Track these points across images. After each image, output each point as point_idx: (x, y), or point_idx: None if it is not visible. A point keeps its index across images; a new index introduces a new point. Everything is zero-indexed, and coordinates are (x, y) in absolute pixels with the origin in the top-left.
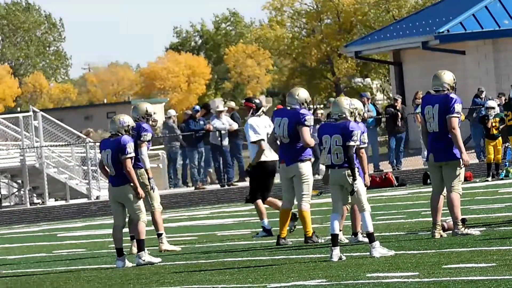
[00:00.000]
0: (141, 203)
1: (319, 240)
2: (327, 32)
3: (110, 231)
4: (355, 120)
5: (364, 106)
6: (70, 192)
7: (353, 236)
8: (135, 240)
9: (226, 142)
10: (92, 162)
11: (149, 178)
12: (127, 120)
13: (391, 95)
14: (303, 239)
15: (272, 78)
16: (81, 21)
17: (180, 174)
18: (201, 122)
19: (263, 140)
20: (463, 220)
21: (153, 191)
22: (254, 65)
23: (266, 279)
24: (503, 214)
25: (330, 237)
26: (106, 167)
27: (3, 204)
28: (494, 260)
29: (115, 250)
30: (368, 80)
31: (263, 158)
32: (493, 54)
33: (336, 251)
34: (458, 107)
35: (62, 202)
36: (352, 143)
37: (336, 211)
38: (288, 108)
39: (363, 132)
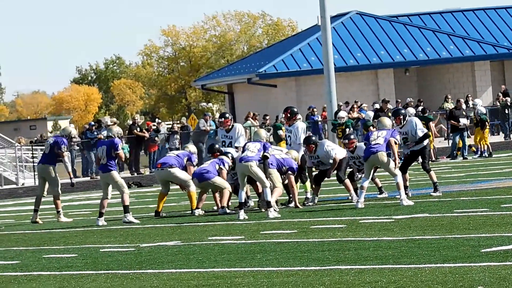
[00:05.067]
0: (123, 182)
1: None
2: (182, 71)
3: (31, 206)
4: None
5: (206, 122)
6: (3, 180)
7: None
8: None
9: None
10: (19, 159)
11: (70, 177)
12: (119, 129)
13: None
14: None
15: (143, 102)
16: (13, 61)
17: (80, 167)
18: (95, 133)
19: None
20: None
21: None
22: (131, 93)
23: (141, 241)
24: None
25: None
26: (99, 158)
27: None
28: (295, 228)
29: (31, 220)
30: (210, 104)
31: None
32: (296, 87)
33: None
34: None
35: None
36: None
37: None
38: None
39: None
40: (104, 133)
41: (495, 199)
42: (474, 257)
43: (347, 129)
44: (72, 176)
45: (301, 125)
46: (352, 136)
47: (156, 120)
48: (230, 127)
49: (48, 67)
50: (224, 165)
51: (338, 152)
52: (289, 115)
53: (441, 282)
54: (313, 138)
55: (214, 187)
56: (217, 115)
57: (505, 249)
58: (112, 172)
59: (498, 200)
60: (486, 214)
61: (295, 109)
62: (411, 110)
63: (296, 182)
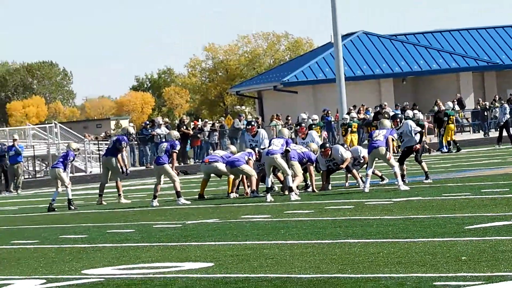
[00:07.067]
0: (173, 173)
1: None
2: (220, 80)
3: (97, 191)
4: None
5: (240, 121)
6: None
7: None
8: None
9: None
10: (87, 152)
11: (125, 165)
12: (177, 133)
13: (256, 115)
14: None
15: (189, 106)
16: (83, 71)
17: (138, 158)
18: (149, 130)
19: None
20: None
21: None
22: (179, 98)
23: (186, 219)
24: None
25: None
26: (159, 153)
27: (37, 175)
28: (312, 209)
29: (96, 203)
30: (244, 107)
31: None
32: (313, 93)
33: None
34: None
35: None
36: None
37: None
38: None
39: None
40: (158, 130)
41: (476, 185)
42: (459, 233)
43: (349, 128)
44: (127, 167)
45: (314, 133)
46: (327, 145)
47: (202, 120)
48: (255, 132)
49: (111, 76)
50: (251, 157)
51: (348, 154)
52: (304, 129)
53: (432, 253)
54: (327, 144)
55: (243, 172)
56: (249, 116)
57: (485, 226)
58: (165, 165)
59: (478, 186)
60: (469, 198)
61: (304, 123)
62: (410, 113)
63: (318, 172)
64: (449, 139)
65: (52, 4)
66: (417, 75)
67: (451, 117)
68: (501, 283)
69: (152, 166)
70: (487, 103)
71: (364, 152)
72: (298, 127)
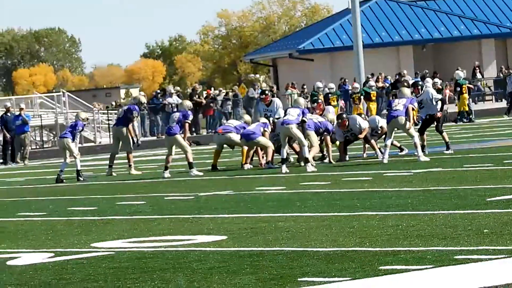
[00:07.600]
0: (185, 143)
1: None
2: (233, 47)
3: (107, 161)
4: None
5: (255, 90)
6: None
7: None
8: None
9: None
10: (96, 121)
11: (136, 136)
12: (189, 103)
13: (271, 84)
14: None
15: (201, 74)
16: (91, 38)
17: (148, 128)
18: (160, 99)
19: None
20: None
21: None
22: (191, 66)
23: (199, 191)
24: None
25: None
26: (170, 123)
27: (44, 146)
28: (329, 180)
29: (106, 174)
30: (258, 75)
31: None
32: (329, 61)
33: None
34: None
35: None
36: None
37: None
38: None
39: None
40: (169, 99)
41: (498, 156)
42: (480, 205)
43: (362, 97)
44: (138, 138)
45: (331, 108)
46: (344, 116)
47: (215, 89)
48: (269, 102)
49: (121, 43)
50: (267, 128)
51: (366, 124)
52: (321, 106)
53: (452, 226)
54: (344, 114)
55: (259, 145)
56: (264, 84)
57: (507, 198)
58: (177, 136)
59: (501, 157)
60: (491, 169)
61: (320, 100)
62: (430, 81)
63: (333, 143)
64: (467, 109)
65: None
66: (438, 42)
67: (463, 86)
68: None
69: (164, 137)
70: (510, 71)
71: (382, 122)
72: (315, 104)
